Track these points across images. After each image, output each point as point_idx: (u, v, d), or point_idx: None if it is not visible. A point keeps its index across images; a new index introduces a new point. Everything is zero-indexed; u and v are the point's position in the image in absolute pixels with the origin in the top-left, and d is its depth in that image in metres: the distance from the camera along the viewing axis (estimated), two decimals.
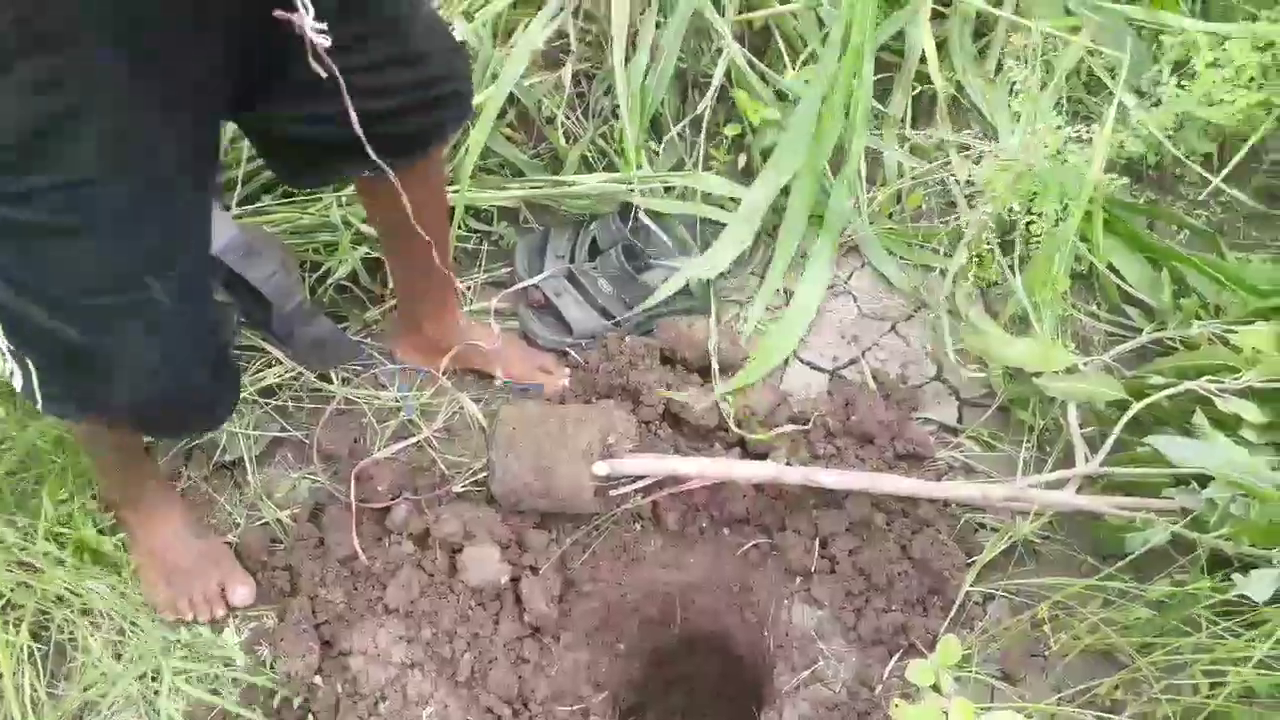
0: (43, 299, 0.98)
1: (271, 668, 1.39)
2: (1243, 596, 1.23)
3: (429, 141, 1.28)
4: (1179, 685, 1.31)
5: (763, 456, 1.60)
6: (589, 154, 1.92)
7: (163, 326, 1.04)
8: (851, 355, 1.78)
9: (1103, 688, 1.37)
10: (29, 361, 1.06)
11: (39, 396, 1.08)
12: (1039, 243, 1.70)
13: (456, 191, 1.76)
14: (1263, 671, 1.21)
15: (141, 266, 0.99)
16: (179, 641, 1.42)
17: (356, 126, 1.01)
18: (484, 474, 1.61)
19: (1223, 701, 1.24)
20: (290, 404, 1.68)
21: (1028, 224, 1.73)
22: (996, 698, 1.42)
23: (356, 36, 1.04)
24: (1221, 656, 1.24)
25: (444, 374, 1.69)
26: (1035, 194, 1.71)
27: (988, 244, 1.77)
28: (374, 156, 1.06)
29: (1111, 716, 1.29)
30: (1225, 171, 1.89)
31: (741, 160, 1.96)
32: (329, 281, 1.75)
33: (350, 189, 1.75)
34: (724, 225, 1.85)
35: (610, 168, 1.90)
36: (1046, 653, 1.45)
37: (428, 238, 1.29)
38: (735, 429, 1.62)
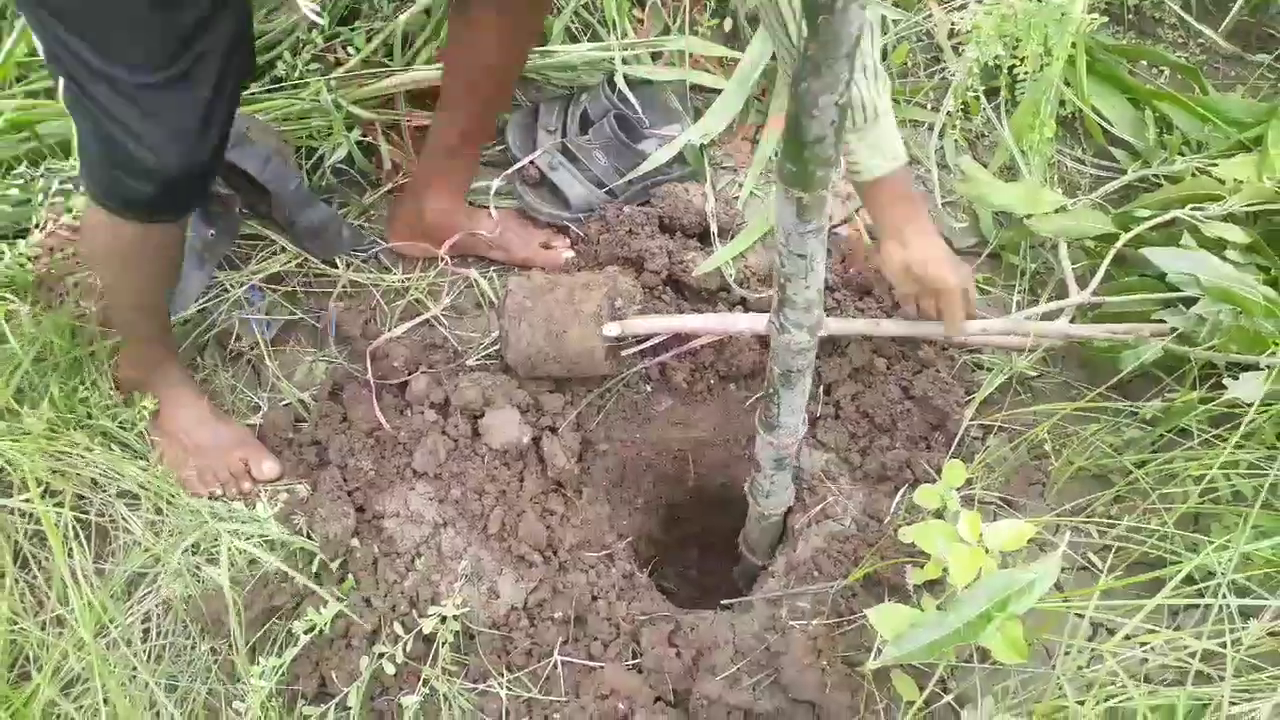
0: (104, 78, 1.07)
1: (308, 535, 1.44)
2: (1232, 406, 1.30)
3: None
4: (1171, 495, 1.40)
5: (765, 313, 1.65)
6: (572, 25, 1.90)
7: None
8: (845, 213, 1.81)
9: (1099, 504, 1.46)
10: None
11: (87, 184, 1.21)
12: (1024, 89, 1.72)
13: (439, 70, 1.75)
14: (1250, 472, 1.29)
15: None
16: (215, 515, 1.46)
17: None
18: (496, 347, 1.65)
19: (1213, 506, 1.32)
20: (299, 289, 1.70)
21: (1011, 69, 1.75)
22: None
23: None
24: (1209, 462, 1.31)
25: (447, 259, 1.70)
26: (1019, 40, 1.73)
27: (973, 91, 1.78)
28: None
29: (1110, 523, 1.37)
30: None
31: (728, 25, 1.95)
32: (324, 166, 1.75)
33: (342, 70, 1.74)
34: (714, 91, 1.86)
35: (595, 38, 1.89)
36: (1045, 479, 1.53)
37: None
38: (737, 289, 1.66)
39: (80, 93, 1.09)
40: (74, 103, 1.12)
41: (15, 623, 1.34)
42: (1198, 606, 1.32)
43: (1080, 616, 1.21)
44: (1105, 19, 1.82)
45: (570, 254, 1.72)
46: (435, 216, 1.67)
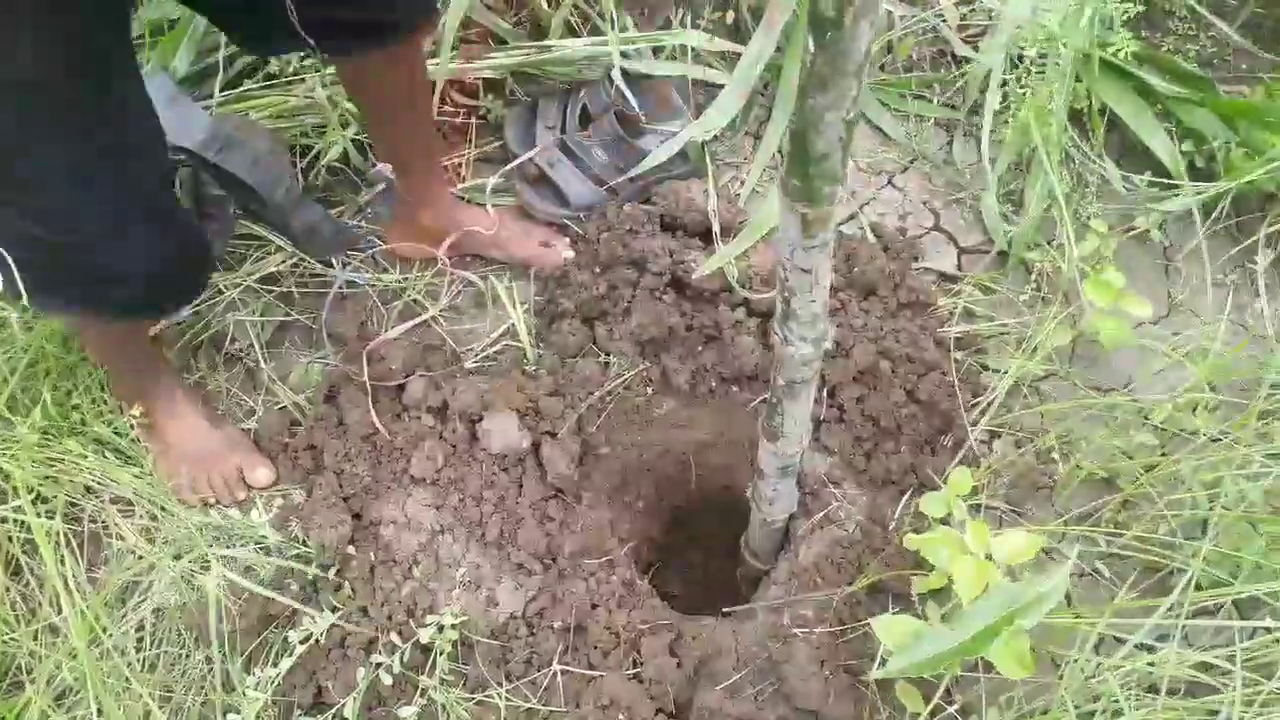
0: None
1: (303, 542, 1.42)
2: None
3: (389, 32, 1.28)
4: (1179, 500, 1.38)
5: (768, 315, 1.62)
6: (572, 18, 1.87)
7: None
8: (850, 210, 1.78)
9: (1106, 510, 1.43)
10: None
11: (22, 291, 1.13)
12: (1029, 87, 1.69)
13: (437, 64, 1.72)
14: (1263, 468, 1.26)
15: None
16: (209, 524, 1.44)
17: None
18: (495, 349, 1.63)
19: (1221, 512, 1.30)
20: (294, 290, 1.67)
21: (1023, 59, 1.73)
22: (1005, 529, 1.48)
23: None
24: (1220, 461, 1.29)
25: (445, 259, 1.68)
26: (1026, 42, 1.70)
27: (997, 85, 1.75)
28: (304, 36, 1.13)
29: (1118, 532, 1.35)
30: None
31: (730, 17, 1.92)
32: (320, 164, 1.72)
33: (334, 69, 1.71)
34: (716, 87, 1.82)
35: (595, 31, 1.86)
36: (1052, 484, 1.50)
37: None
38: (739, 290, 1.63)
39: None
40: None
41: (8, 632, 1.33)
42: (1212, 614, 1.30)
43: (1091, 626, 1.19)
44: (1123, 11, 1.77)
45: (570, 253, 1.69)
46: (430, 218, 1.64)
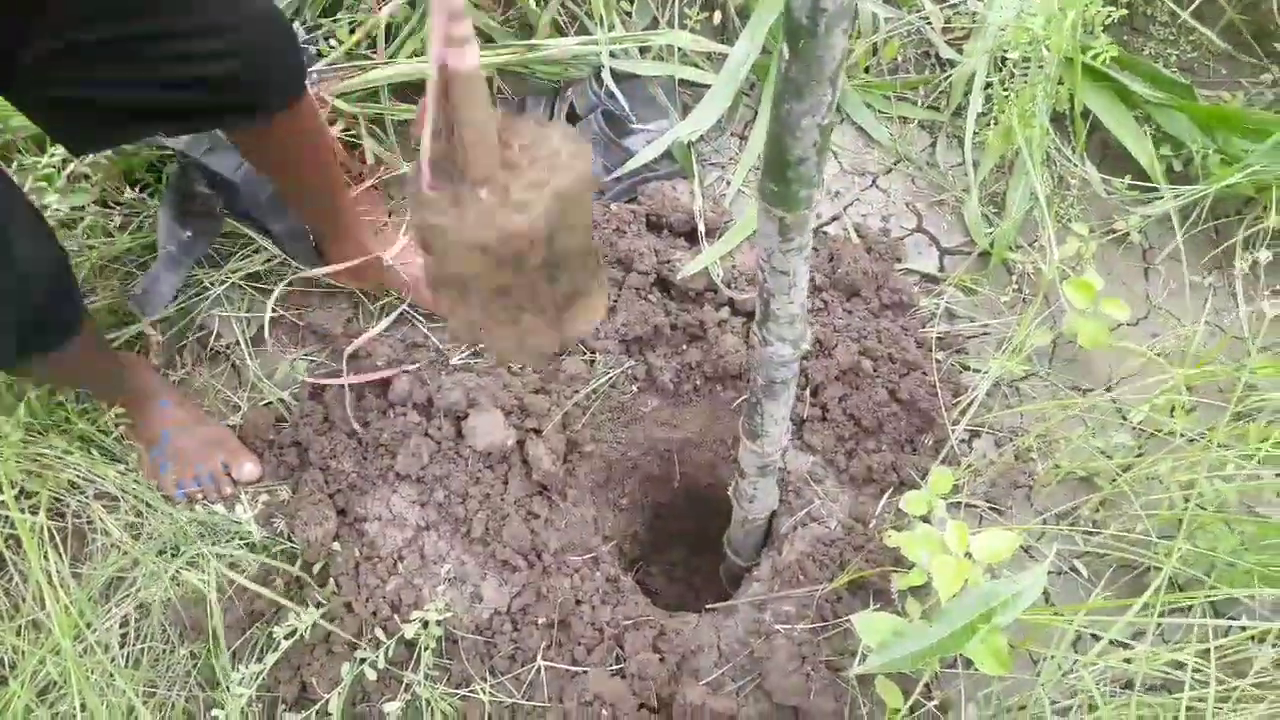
0: None
1: (289, 538, 1.43)
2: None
3: (256, 105, 1.19)
4: (1156, 501, 1.40)
5: (753, 315, 1.63)
6: (559, 17, 1.88)
7: None
8: (834, 211, 1.80)
9: (1085, 508, 1.45)
10: None
11: None
12: (1016, 92, 1.70)
13: (425, 61, 1.72)
14: (1237, 469, 1.28)
15: None
16: (195, 519, 1.44)
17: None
18: (480, 346, 1.63)
19: (1197, 512, 1.32)
20: (278, 288, 1.67)
21: (1006, 61, 1.74)
22: (985, 527, 1.50)
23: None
24: (1196, 462, 1.31)
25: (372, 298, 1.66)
26: (1010, 45, 1.72)
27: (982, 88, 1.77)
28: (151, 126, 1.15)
29: (1095, 531, 1.37)
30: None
31: (717, 18, 1.93)
32: None
33: (324, 63, 1.71)
34: (702, 87, 1.83)
35: (583, 30, 1.87)
36: (1031, 483, 1.52)
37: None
38: (724, 289, 1.65)
39: None
40: None
41: None
42: (1185, 611, 1.32)
43: (1068, 623, 1.21)
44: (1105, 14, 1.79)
45: None
46: (357, 263, 1.60)
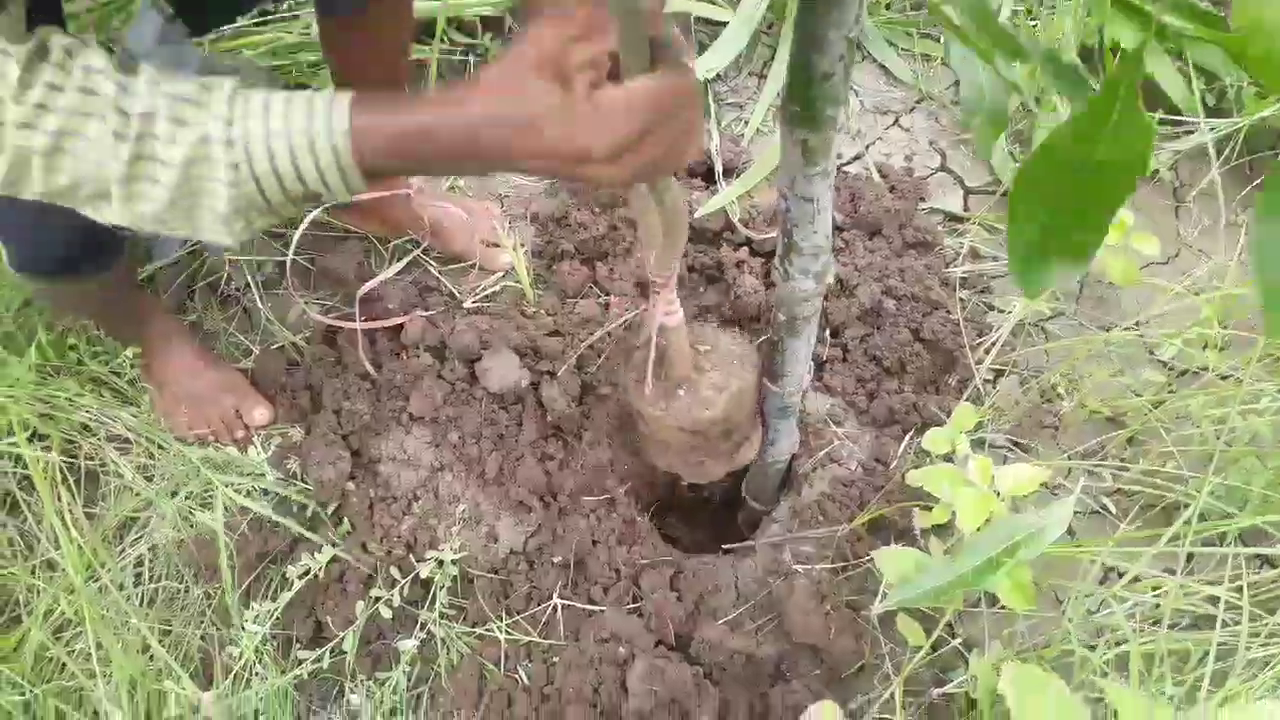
0: None
1: (301, 479, 1.41)
2: None
3: None
4: (1186, 437, 1.36)
5: (771, 255, 1.60)
6: None
7: None
8: (856, 151, 1.75)
9: (1112, 447, 1.42)
10: None
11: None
12: (1043, 25, 1.65)
13: (438, 0, 1.69)
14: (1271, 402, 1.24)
15: None
16: (208, 459, 1.43)
17: None
18: (494, 289, 1.61)
19: (1228, 447, 1.28)
20: (290, 231, 1.65)
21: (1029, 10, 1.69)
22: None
23: None
24: (1229, 396, 1.27)
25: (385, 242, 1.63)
26: None
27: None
28: None
29: (1124, 467, 1.34)
30: None
31: None
32: None
33: None
34: (719, 24, 1.79)
35: None
36: (1057, 422, 1.49)
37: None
38: (742, 229, 1.61)
39: None
40: None
41: (5, 567, 1.32)
42: (1219, 541, 1.29)
43: (1092, 561, 1.18)
44: None
45: (508, 261, 1.60)
46: (386, 200, 1.59)
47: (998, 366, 1.52)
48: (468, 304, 1.60)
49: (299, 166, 0.72)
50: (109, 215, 0.74)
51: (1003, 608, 1.36)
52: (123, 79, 0.70)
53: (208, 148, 0.70)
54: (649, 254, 1.03)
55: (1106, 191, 0.50)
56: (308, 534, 1.34)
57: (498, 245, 1.63)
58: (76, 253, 1.18)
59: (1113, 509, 1.39)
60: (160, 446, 1.45)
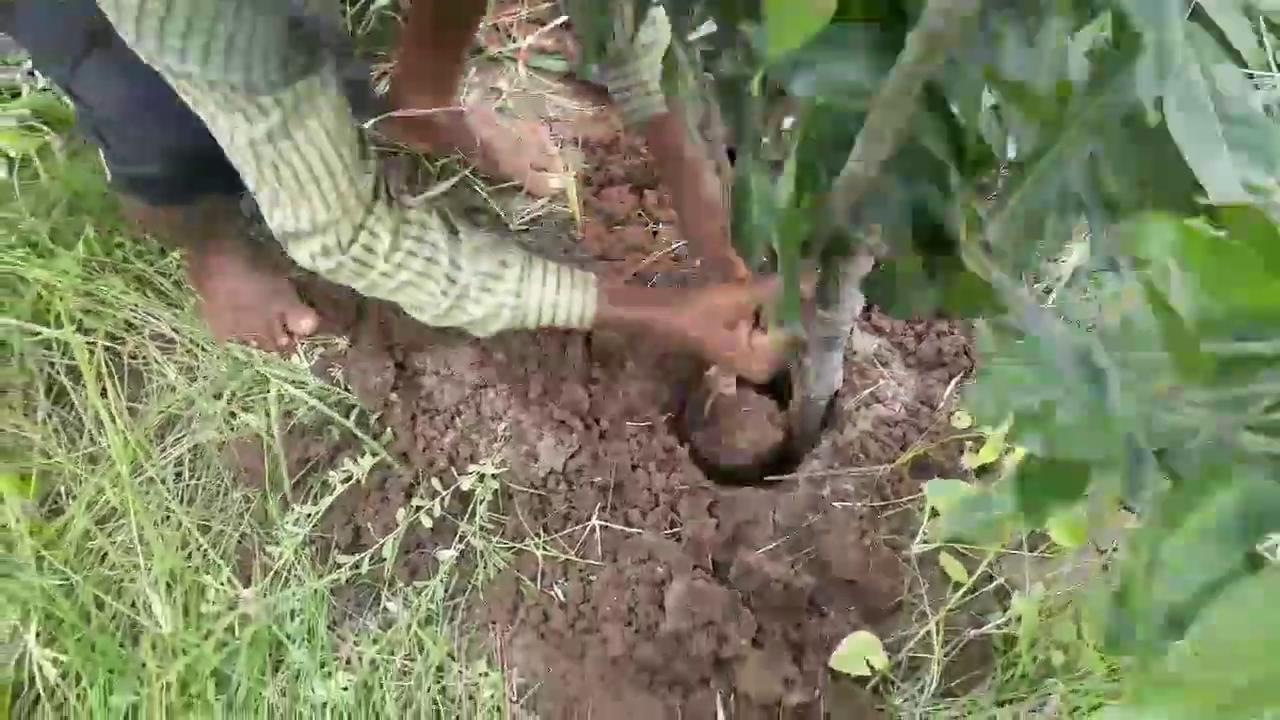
0: None
1: (345, 388, 1.41)
2: None
3: None
4: None
5: None
6: None
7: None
8: None
9: None
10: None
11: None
12: None
13: None
14: None
15: None
16: (250, 365, 1.43)
17: None
18: (541, 212, 1.59)
19: None
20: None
21: None
22: None
23: None
24: None
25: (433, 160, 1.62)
26: None
27: None
28: None
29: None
30: None
31: None
32: (371, 11, 1.67)
33: None
34: None
35: None
36: None
37: None
38: None
39: None
40: None
41: (48, 456, 1.32)
42: None
43: None
44: None
45: (558, 185, 1.61)
46: (436, 112, 1.57)
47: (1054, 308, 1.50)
48: (514, 226, 1.58)
49: (555, 320, 1.17)
50: (421, 319, 1.17)
51: (1045, 552, 1.35)
52: (453, 256, 1.11)
53: (500, 310, 1.15)
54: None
55: None
56: (357, 432, 1.33)
57: (546, 169, 1.62)
58: (180, 171, 1.17)
59: None
60: (204, 348, 1.44)
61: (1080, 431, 0.50)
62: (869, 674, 1.21)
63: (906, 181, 0.66)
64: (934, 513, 1.30)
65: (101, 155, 1.18)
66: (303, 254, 1.06)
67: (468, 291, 1.12)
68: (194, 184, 1.21)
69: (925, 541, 1.33)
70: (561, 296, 1.15)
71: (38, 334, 1.36)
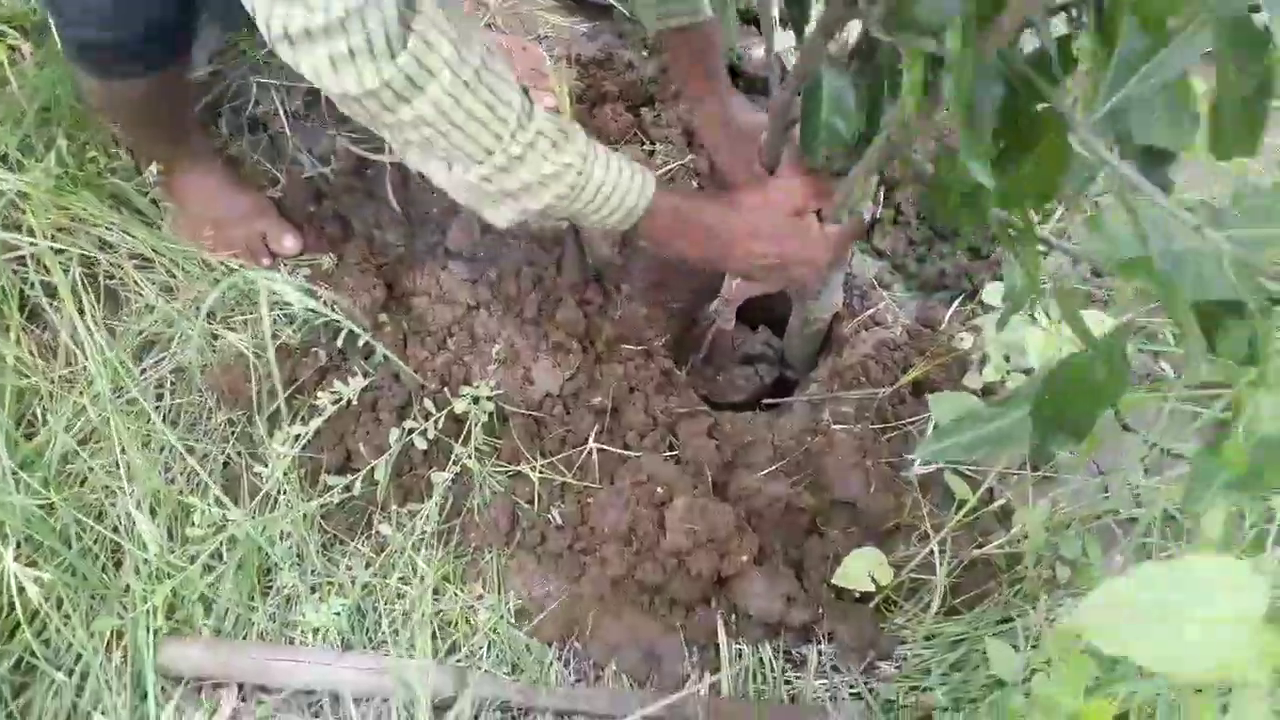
0: None
1: (331, 308, 1.36)
2: None
3: None
4: None
5: None
6: None
7: None
8: None
9: None
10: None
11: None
12: None
13: None
14: None
15: None
16: (231, 285, 1.37)
17: None
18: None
19: None
20: None
21: None
22: None
23: None
24: None
25: None
26: None
27: None
28: None
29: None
30: None
31: None
32: None
33: None
34: None
35: None
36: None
37: None
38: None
39: None
40: None
41: (24, 375, 1.27)
42: None
43: (1165, 400, 1.15)
44: None
45: (551, 103, 1.54)
46: None
47: (1060, 228, 1.48)
48: None
49: (610, 200, 0.97)
50: (455, 180, 0.93)
51: (1045, 474, 1.34)
52: (524, 96, 0.88)
53: (565, 170, 0.92)
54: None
55: None
56: (352, 342, 1.28)
57: (538, 86, 1.56)
58: (130, 38, 1.11)
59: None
60: (184, 268, 1.39)
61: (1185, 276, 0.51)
62: (872, 591, 1.20)
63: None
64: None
65: (53, 24, 1.13)
66: (315, 61, 0.77)
67: (537, 142, 0.88)
68: (142, 54, 1.14)
69: (927, 463, 1.31)
70: (624, 174, 0.96)
71: (11, 247, 1.29)
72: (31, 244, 1.28)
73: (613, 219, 0.99)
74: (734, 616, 1.22)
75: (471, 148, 0.86)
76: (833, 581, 1.20)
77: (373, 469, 1.26)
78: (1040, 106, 0.62)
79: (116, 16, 1.07)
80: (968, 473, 1.29)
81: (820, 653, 1.22)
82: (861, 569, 1.18)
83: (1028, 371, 1.32)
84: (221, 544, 1.23)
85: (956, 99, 0.59)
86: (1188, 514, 1.15)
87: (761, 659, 1.21)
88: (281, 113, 1.52)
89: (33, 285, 1.31)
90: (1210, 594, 0.45)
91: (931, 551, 1.23)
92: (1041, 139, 0.64)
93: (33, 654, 1.17)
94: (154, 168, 1.40)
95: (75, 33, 1.11)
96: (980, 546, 1.27)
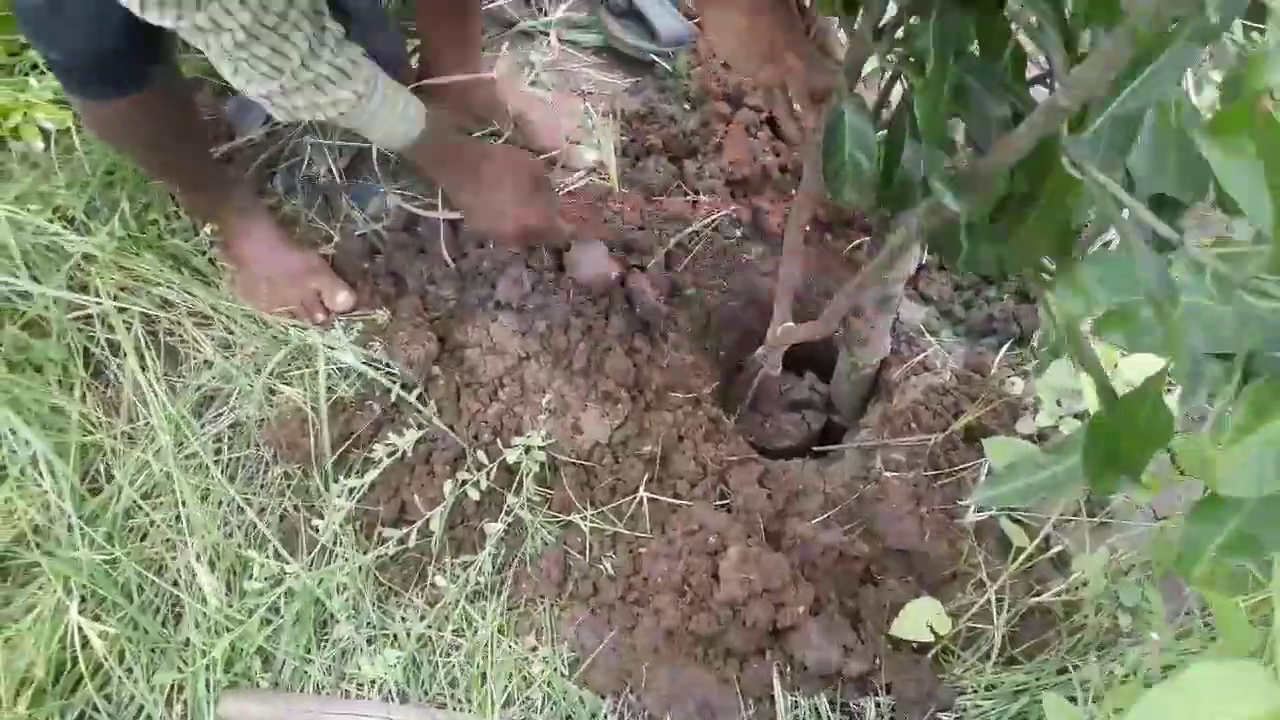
0: None
1: (386, 364, 1.39)
2: None
3: None
4: None
5: None
6: None
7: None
8: None
9: None
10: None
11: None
12: None
13: None
14: None
15: None
16: (287, 341, 1.41)
17: None
18: (583, 183, 1.57)
19: None
20: None
21: None
22: None
23: None
24: None
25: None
26: None
27: None
28: None
29: None
30: None
31: None
32: None
33: None
34: None
35: None
36: None
37: None
38: None
39: None
40: None
41: (89, 431, 1.30)
42: None
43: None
44: None
45: (594, 157, 1.58)
46: (458, 91, 1.54)
47: None
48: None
49: (383, 129, 1.15)
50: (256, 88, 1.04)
51: (1103, 520, 1.33)
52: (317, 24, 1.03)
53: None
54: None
55: None
56: (408, 398, 1.30)
57: (582, 142, 1.59)
58: (110, 58, 1.13)
59: None
60: (241, 325, 1.42)
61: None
62: (930, 642, 1.18)
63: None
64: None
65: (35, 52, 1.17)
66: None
67: (318, 80, 1.05)
68: (111, 78, 1.15)
69: (982, 509, 1.30)
70: (399, 107, 1.15)
71: (77, 307, 1.34)
72: (97, 303, 1.32)
73: (391, 141, 1.18)
74: (789, 668, 1.21)
75: (259, 77, 1.02)
76: (890, 632, 1.19)
77: (427, 520, 1.27)
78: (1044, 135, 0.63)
79: (73, 41, 1.09)
80: (1024, 519, 1.28)
81: (878, 704, 1.20)
82: (920, 619, 1.16)
83: (1080, 415, 1.31)
84: (279, 597, 1.24)
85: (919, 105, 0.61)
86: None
87: (818, 711, 1.20)
88: (335, 171, 1.56)
89: (98, 343, 1.35)
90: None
91: (989, 600, 1.21)
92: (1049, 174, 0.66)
93: (95, 708, 1.19)
94: (208, 228, 1.44)
95: (45, 52, 1.12)
96: (1038, 595, 1.25)
